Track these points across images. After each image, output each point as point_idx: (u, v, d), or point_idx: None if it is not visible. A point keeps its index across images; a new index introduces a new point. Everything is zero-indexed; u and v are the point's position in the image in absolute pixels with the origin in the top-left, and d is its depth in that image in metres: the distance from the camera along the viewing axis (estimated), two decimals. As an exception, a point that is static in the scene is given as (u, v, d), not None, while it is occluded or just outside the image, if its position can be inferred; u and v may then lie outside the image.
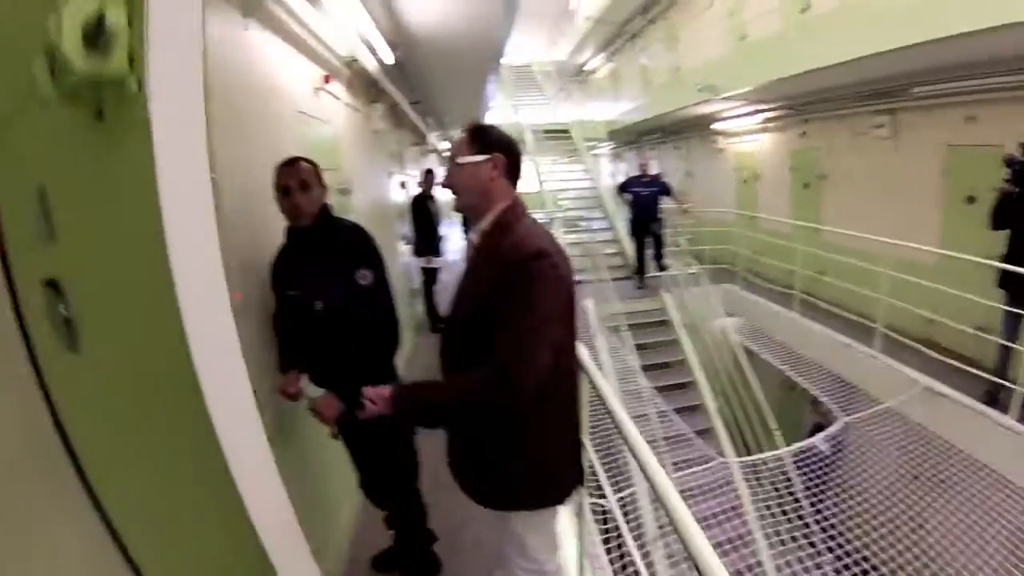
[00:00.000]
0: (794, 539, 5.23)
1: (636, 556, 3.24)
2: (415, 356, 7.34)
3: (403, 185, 9.49)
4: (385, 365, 2.84)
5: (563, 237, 10.42)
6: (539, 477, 2.03)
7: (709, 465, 5.40)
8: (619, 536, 3.59)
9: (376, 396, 1.93)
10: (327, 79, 4.29)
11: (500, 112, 16.25)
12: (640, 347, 7.92)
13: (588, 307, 8.13)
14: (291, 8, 3.52)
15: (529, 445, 1.97)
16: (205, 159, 0.95)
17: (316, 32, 4.00)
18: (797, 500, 5.60)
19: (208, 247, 1.06)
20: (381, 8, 4.55)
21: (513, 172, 2.04)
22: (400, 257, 8.34)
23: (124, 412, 1.47)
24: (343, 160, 4.97)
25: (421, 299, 8.92)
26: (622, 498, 3.52)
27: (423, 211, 8.31)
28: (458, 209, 2.12)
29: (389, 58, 5.24)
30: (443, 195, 9.88)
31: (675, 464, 5.63)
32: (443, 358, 2.10)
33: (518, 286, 1.78)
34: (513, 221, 1.96)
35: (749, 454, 6.49)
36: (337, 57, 4.64)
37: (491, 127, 2.06)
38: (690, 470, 5.34)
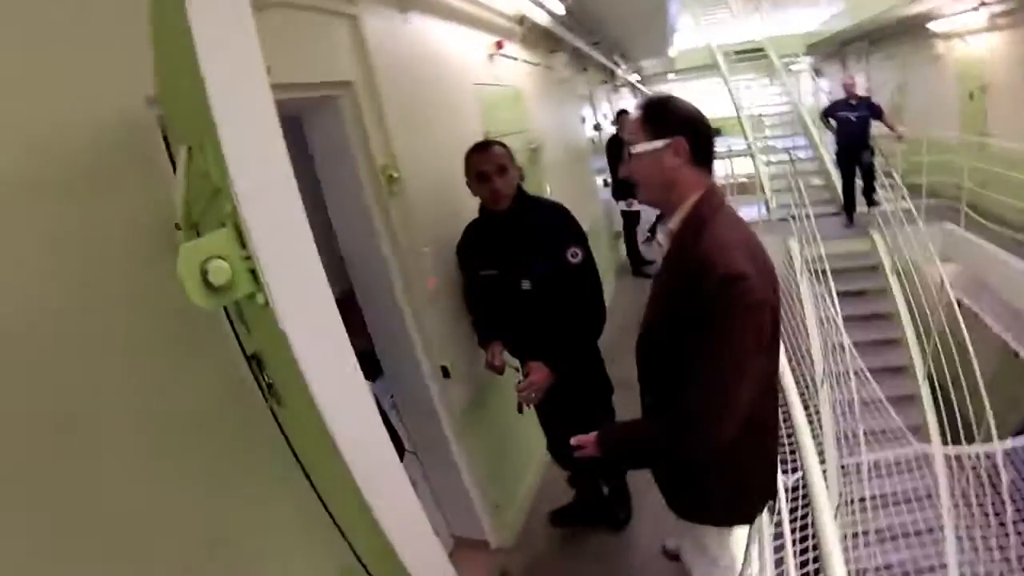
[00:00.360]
0: (989, 547, 4.58)
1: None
2: (617, 298, 7.29)
3: (597, 127, 9.31)
4: (590, 342, 2.91)
5: (763, 168, 9.66)
6: (732, 497, 1.89)
7: (904, 451, 4.86)
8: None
9: (584, 441, 1.86)
10: (499, 44, 4.27)
11: (686, 35, 15.05)
12: (844, 295, 7.04)
13: (792, 248, 7.41)
14: None
15: (725, 467, 1.79)
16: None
17: (479, 1, 3.97)
18: (1003, 501, 4.83)
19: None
20: None
21: (702, 155, 1.67)
22: (599, 200, 8.29)
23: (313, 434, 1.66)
24: (530, 118, 4.96)
25: (622, 241, 8.89)
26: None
27: (619, 153, 7.98)
28: (644, 203, 1.81)
29: (559, 7, 5.09)
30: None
31: (867, 434, 5.08)
32: (640, 365, 1.90)
33: (713, 318, 1.52)
34: (706, 219, 1.62)
35: (955, 433, 5.62)
36: (506, 19, 4.60)
37: (668, 102, 1.69)
38: (882, 452, 4.81)
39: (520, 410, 2.90)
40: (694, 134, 1.65)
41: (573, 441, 1.86)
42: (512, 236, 2.78)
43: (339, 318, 0.94)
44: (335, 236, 2.91)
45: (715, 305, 1.50)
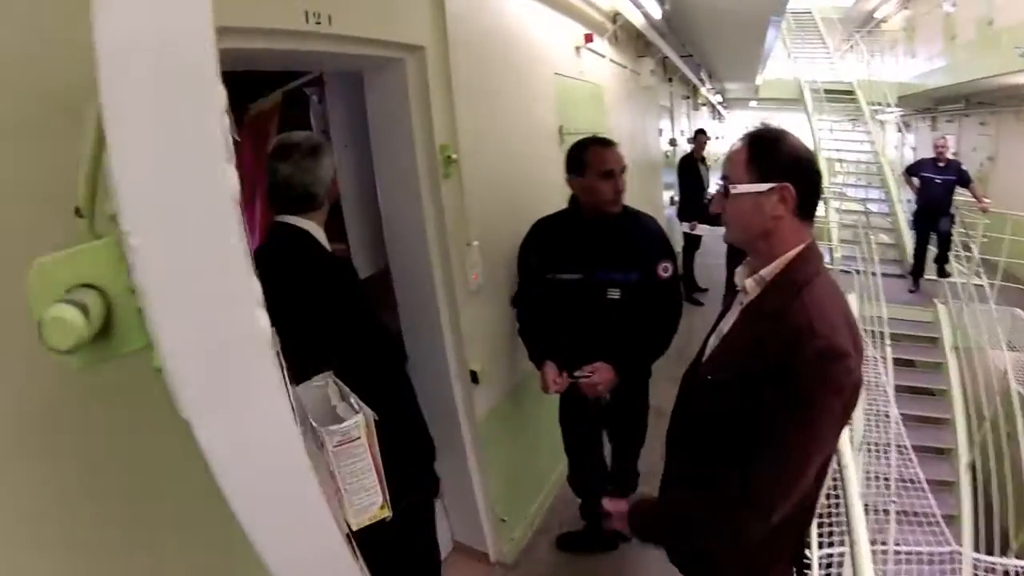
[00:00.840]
0: None
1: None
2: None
3: (673, 142, 8.95)
4: (652, 361, 2.81)
5: (834, 215, 9.17)
6: (746, 571, 1.66)
7: (938, 551, 4.44)
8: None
9: (614, 510, 1.71)
10: (588, 38, 4.00)
11: (777, 64, 14.47)
12: (898, 362, 6.65)
13: (850, 303, 6.89)
14: None
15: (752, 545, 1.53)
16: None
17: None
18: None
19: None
20: None
21: (808, 206, 1.48)
22: (664, 217, 7.95)
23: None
24: (609, 120, 4.67)
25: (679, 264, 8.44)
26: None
27: (691, 174, 7.67)
28: (731, 241, 1.60)
29: (656, 11, 4.75)
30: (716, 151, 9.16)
31: (899, 515, 4.65)
32: (685, 418, 1.70)
33: (799, 393, 1.32)
34: (806, 280, 1.43)
35: (990, 537, 5.05)
36: (600, 13, 4.33)
37: (781, 140, 1.46)
38: (913, 548, 4.40)
39: (592, 407, 2.77)
40: (805, 182, 1.44)
41: (606, 505, 1.75)
42: (608, 242, 2.64)
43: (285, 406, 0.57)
44: (378, 210, 2.69)
45: (807, 379, 1.31)
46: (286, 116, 3.03)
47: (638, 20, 4.78)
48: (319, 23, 1.93)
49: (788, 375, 1.32)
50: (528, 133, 3.29)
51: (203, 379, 0.47)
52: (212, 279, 0.45)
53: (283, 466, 0.58)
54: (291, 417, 0.56)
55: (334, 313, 1.81)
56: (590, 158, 2.60)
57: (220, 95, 0.47)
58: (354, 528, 1.14)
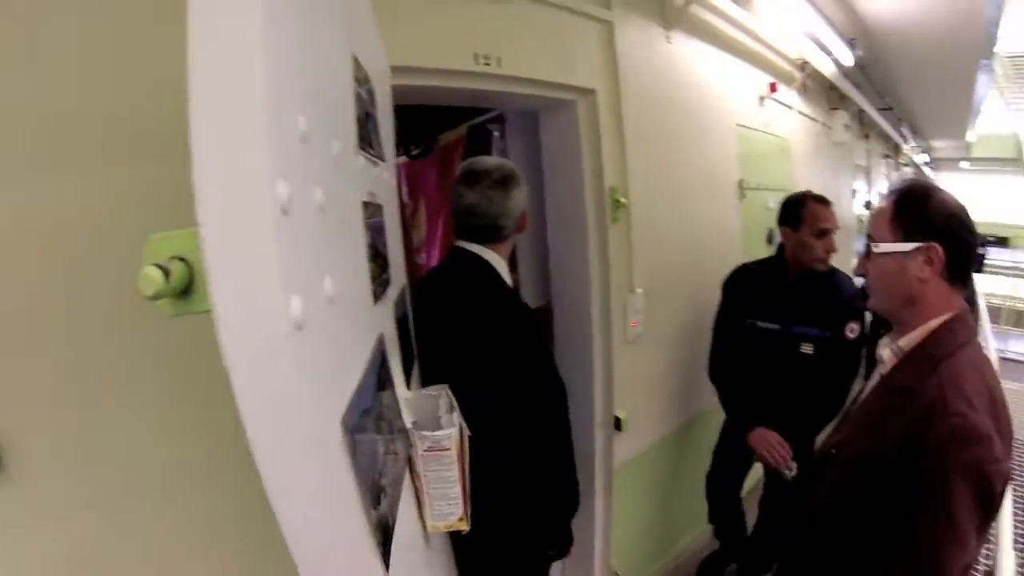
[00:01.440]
0: None
1: None
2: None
3: (868, 205, 8.24)
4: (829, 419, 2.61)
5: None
6: None
7: None
8: None
9: None
10: (773, 87, 3.75)
11: (991, 117, 12.86)
12: None
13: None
14: (724, 11, 3.15)
15: None
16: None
17: (757, 34, 3.53)
18: None
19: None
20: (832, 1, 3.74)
21: (960, 269, 1.31)
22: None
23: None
24: (795, 176, 4.36)
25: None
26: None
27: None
28: (873, 308, 1.46)
29: (847, 58, 4.33)
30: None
31: None
32: (809, 492, 1.50)
33: (929, 478, 1.14)
34: (947, 352, 1.26)
35: None
36: (786, 60, 4.07)
37: (929, 196, 1.33)
38: None
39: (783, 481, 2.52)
40: (955, 242, 1.30)
41: None
42: (808, 296, 2.60)
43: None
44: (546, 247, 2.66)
45: (937, 462, 1.15)
46: (470, 148, 3.18)
47: (828, 68, 4.42)
48: (488, 64, 2.01)
49: (916, 456, 1.16)
50: (705, 184, 3.12)
51: (240, 350, 0.53)
52: (250, 267, 0.53)
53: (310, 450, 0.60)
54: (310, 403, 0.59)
55: (502, 348, 1.70)
56: (807, 214, 2.56)
57: (271, 123, 0.54)
58: (428, 530, 1.19)
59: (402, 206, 3.84)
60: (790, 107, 4.32)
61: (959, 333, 1.29)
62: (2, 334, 1.21)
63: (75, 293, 1.22)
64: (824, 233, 2.53)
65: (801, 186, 4.42)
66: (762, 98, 3.78)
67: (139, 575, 1.38)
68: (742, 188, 3.47)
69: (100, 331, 1.26)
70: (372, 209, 1.07)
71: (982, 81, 6.47)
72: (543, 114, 2.49)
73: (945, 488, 1.12)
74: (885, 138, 8.78)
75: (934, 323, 1.30)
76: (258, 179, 0.52)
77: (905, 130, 9.39)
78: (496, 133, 3.08)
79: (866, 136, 7.46)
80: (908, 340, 1.33)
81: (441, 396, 1.32)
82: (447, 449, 1.15)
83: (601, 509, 2.67)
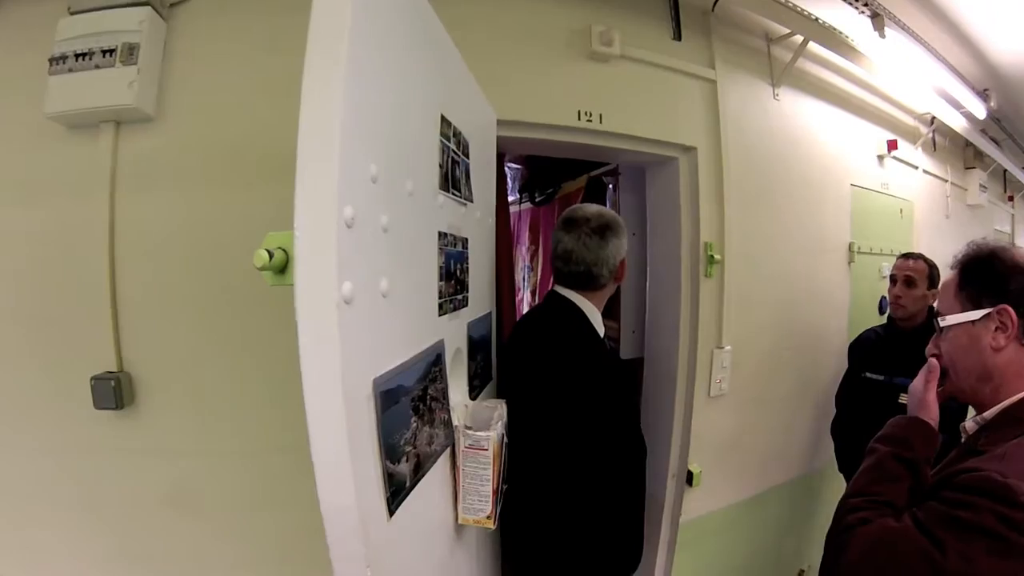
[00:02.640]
0: None
1: None
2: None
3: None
4: None
5: None
6: None
7: None
8: None
9: None
10: (893, 144, 3.58)
11: None
12: None
13: None
14: (835, 64, 3.10)
15: None
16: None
17: (874, 87, 3.43)
18: None
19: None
20: (957, 48, 3.48)
21: None
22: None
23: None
24: (917, 241, 4.12)
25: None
26: None
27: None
28: (951, 395, 1.30)
29: (980, 110, 3.97)
30: None
31: None
32: None
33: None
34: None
35: None
36: (910, 115, 3.88)
37: (994, 253, 1.20)
38: None
39: None
40: None
41: None
42: (913, 348, 2.43)
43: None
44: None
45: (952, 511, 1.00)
46: (588, 198, 3.33)
47: (958, 123, 4.10)
48: (590, 121, 2.15)
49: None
50: (809, 245, 3.03)
51: (305, 310, 0.78)
52: (318, 257, 0.78)
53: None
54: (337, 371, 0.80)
55: (578, 395, 1.70)
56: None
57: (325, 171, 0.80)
58: (459, 521, 1.35)
59: (515, 246, 3.98)
60: (915, 167, 4.09)
61: None
62: (159, 300, 1.70)
63: (215, 274, 1.68)
64: (892, 280, 2.72)
65: (924, 253, 4.17)
66: (881, 157, 3.62)
67: (223, 521, 1.76)
68: (852, 252, 3.32)
69: (229, 307, 1.70)
70: (451, 239, 1.32)
71: None
72: (649, 169, 2.58)
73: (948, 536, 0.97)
74: (1033, 201, 8.08)
75: (1016, 398, 1.15)
76: (329, 203, 0.78)
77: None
78: (611, 185, 3.18)
79: (1010, 199, 6.89)
80: (992, 411, 1.18)
81: (497, 409, 1.47)
82: (485, 449, 1.31)
83: (663, 562, 2.62)
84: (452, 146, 1.33)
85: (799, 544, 3.34)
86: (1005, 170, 5.84)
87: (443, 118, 1.26)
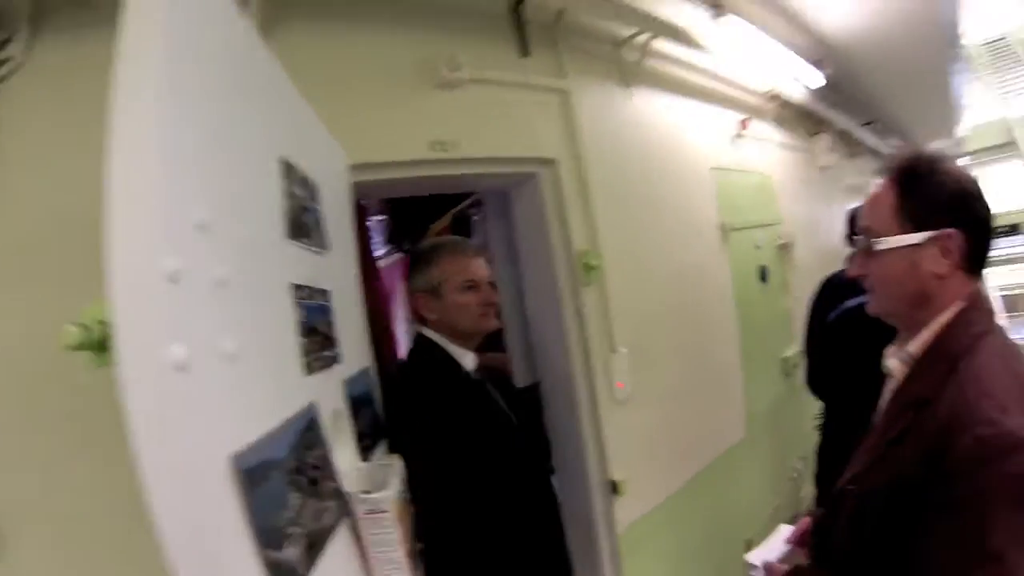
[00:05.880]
0: None
1: None
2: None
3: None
4: None
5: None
6: None
7: None
8: None
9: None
10: (744, 124, 3.65)
11: (981, 109, 12.17)
12: None
13: None
14: (680, 59, 3.09)
15: None
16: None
17: (717, 74, 3.45)
18: None
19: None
20: (789, 27, 3.64)
21: (978, 256, 1.06)
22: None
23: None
24: (780, 209, 4.22)
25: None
26: None
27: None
28: (876, 312, 1.17)
29: (817, 79, 4.16)
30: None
31: None
32: (821, 544, 1.27)
33: (970, 511, 0.87)
34: (965, 347, 1.00)
35: None
36: (755, 95, 3.97)
37: (933, 169, 1.06)
38: None
39: None
40: (974, 224, 1.04)
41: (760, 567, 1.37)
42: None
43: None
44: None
45: (968, 480, 0.88)
46: (456, 234, 3.10)
47: (800, 94, 4.28)
48: (444, 150, 1.98)
49: (940, 482, 0.90)
50: (685, 233, 3.02)
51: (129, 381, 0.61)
52: (139, 320, 0.64)
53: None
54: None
55: (456, 433, 1.61)
56: None
57: None
58: None
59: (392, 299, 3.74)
60: (766, 140, 4.20)
61: (975, 322, 1.04)
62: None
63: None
64: None
65: (787, 218, 4.31)
66: (734, 136, 3.68)
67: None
68: (724, 230, 3.35)
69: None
70: (308, 292, 1.17)
71: (957, 75, 6.27)
72: (512, 191, 2.43)
73: (982, 517, 0.86)
74: (874, 153, 8.57)
75: (945, 317, 1.05)
76: (145, 254, 0.65)
77: (894, 141, 9.19)
78: (475, 217, 3.03)
79: (854, 155, 7.27)
80: (918, 344, 1.08)
81: (392, 465, 1.33)
82: (386, 511, 1.17)
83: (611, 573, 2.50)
84: (299, 192, 1.20)
85: (738, 517, 3.34)
86: (845, 131, 6.14)
87: (286, 163, 1.14)
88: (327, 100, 1.51)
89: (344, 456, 1.24)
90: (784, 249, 4.19)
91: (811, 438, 3.53)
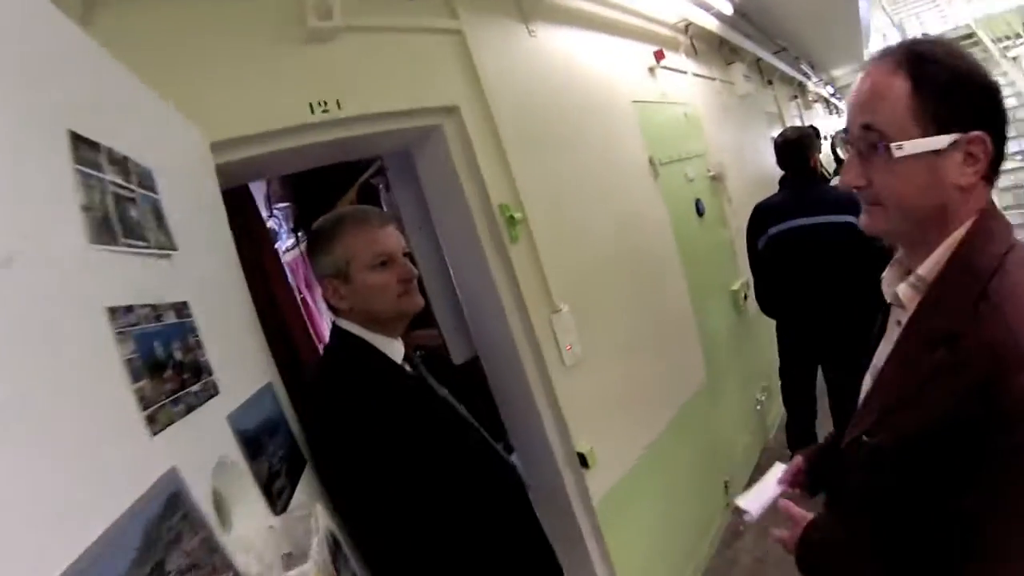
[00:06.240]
0: None
1: None
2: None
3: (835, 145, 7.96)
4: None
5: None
6: None
7: None
8: None
9: (786, 541, 1.17)
10: (659, 55, 3.45)
11: (884, 33, 12.58)
12: None
13: None
14: None
15: None
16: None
17: (626, 7, 3.19)
18: None
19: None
20: None
21: (999, 160, 0.86)
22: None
23: None
24: (706, 139, 4.06)
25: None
26: None
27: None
28: (877, 232, 0.94)
29: (727, 8, 4.05)
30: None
31: None
32: (837, 504, 1.12)
33: (1010, 463, 0.72)
34: (987, 269, 0.81)
35: None
36: (667, 27, 3.76)
37: (951, 53, 0.85)
38: None
39: None
40: (1000, 124, 0.85)
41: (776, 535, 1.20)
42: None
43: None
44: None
45: (1020, 436, 0.71)
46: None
47: (711, 23, 4.13)
48: (326, 111, 1.69)
49: (985, 433, 0.73)
50: (613, 173, 2.80)
51: None
52: None
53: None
54: None
55: (393, 445, 1.31)
56: None
57: None
58: None
59: (310, 292, 3.43)
60: (684, 72, 4.02)
61: (996, 237, 0.85)
62: None
63: None
64: None
65: (714, 148, 4.17)
66: (651, 69, 3.47)
67: None
68: (654, 165, 3.15)
69: None
70: (145, 312, 0.84)
71: (863, 5, 6.28)
72: (415, 151, 2.14)
73: None
74: (788, 80, 8.59)
75: (959, 233, 0.86)
76: None
77: (805, 67, 9.23)
78: (380, 186, 2.74)
79: (769, 82, 7.22)
80: (931, 266, 0.88)
81: (311, 517, 1.05)
82: None
83: (597, 552, 2.29)
84: (111, 178, 0.86)
85: (713, 461, 3.23)
86: (759, 59, 6.05)
87: (78, 138, 0.80)
88: (180, 74, 1.35)
89: (248, 518, 0.93)
90: (716, 180, 4.05)
91: (771, 366, 3.44)
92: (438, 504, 1.32)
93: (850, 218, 2.67)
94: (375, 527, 1.27)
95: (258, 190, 3.26)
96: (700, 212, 3.65)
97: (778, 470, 1.36)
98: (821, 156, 4.04)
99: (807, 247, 2.85)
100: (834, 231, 2.77)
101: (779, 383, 3.47)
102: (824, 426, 3.20)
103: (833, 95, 13.88)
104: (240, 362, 1.17)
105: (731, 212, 4.15)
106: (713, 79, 4.69)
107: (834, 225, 2.78)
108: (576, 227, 2.44)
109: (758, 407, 3.93)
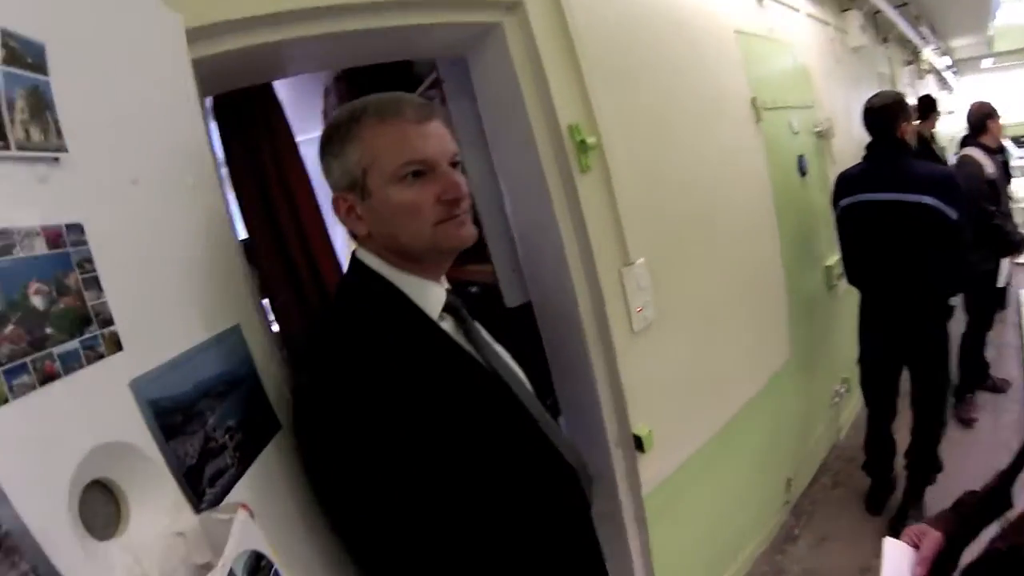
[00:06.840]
0: None
1: None
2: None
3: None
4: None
5: None
6: None
7: None
8: None
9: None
10: (770, -20, 2.89)
11: (1009, 9, 11.21)
12: None
13: None
14: None
15: None
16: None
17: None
18: None
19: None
20: None
21: None
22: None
23: None
24: (816, 92, 3.51)
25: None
26: None
27: (923, 156, 5.70)
28: None
29: None
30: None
31: None
32: None
33: None
34: None
35: None
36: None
37: None
38: None
39: None
40: None
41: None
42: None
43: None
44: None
45: None
46: None
47: None
48: None
49: None
50: (707, 107, 2.33)
51: None
52: None
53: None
54: None
55: (412, 443, 0.90)
56: None
57: None
58: None
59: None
60: (796, 9, 3.46)
61: None
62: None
63: None
64: None
65: (823, 102, 3.60)
66: (762, -1, 2.94)
67: None
68: (757, 108, 2.65)
69: None
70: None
71: None
72: (471, 58, 1.75)
73: None
74: (904, 42, 7.70)
75: None
76: None
77: (924, 30, 8.27)
78: (436, 99, 2.36)
79: (884, 40, 6.43)
80: None
81: (235, 521, 0.72)
82: None
83: (637, 545, 1.94)
84: None
85: (777, 455, 2.79)
86: (876, 12, 5.32)
87: None
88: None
89: (149, 518, 0.68)
90: (823, 137, 3.50)
91: (853, 356, 2.95)
92: (467, 527, 0.93)
93: (927, 199, 2.31)
94: (380, 554, 0.92)
95: (316, 106, 2.96)
96: (803, 171, 3.14)
97: (897, 551, 1.07)
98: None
99: (871, 225, 2.51)
100: (901, 212, 2.38)
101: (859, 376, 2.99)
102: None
103: (949, 67, 12.54)
104: (186, 304, 0.85)
105: (834, 176, 3.58)
106: (827, 23, 4.08)
107: (903, 205, 2.38)
108: (660, 165, 2.00)
109: (836, 399, 3.43)
